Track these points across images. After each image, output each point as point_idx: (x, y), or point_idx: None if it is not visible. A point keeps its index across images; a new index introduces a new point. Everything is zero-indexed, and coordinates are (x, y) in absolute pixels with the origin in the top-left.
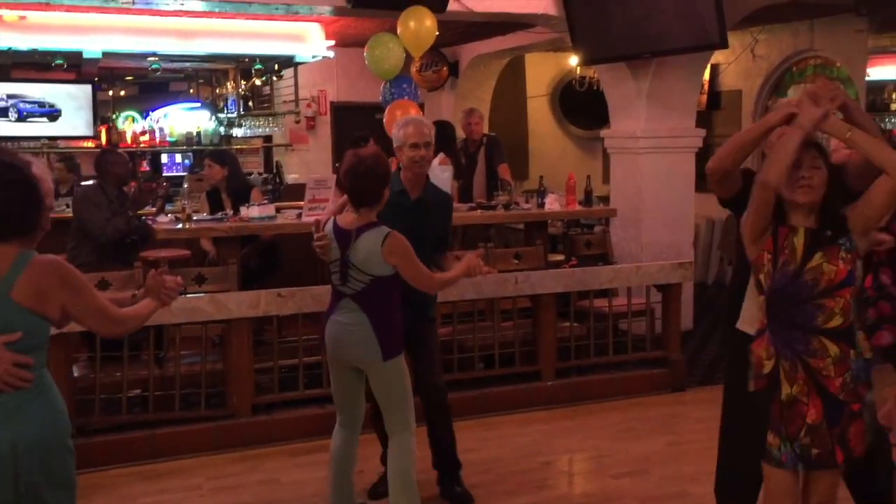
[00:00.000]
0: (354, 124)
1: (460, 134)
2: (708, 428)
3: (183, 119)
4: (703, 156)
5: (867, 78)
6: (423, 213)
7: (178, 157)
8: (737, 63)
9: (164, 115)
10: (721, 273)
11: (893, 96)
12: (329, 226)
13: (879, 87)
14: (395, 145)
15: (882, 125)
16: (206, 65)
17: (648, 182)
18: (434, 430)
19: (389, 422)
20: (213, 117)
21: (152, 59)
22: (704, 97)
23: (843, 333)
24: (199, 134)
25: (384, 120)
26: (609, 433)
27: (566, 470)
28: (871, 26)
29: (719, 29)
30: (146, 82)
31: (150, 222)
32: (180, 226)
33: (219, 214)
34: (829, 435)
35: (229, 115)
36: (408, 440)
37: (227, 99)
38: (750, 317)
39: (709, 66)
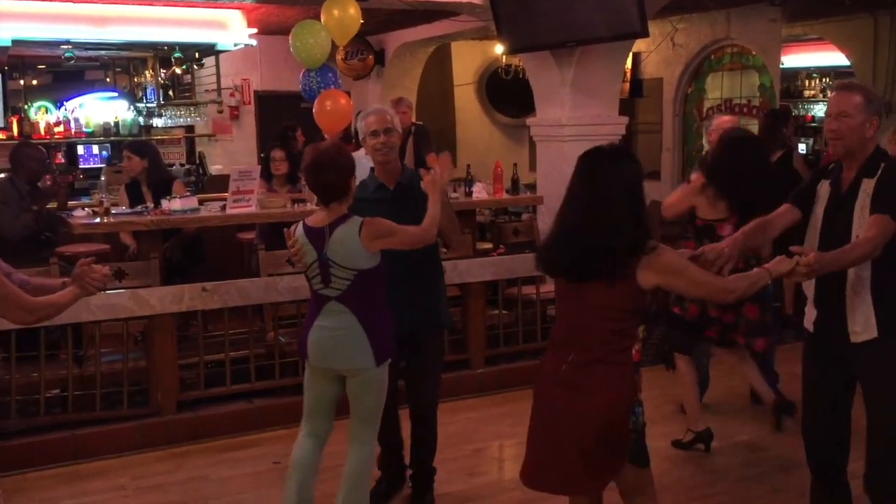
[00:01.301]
0: (280, 114)
1: None
2: None
3: (100, 109)
4: (626, 143)
5: (781, 65)
6: (406, 199)
7: (96, 149)
8: (657, 51)
9: (80, 105)
10: None
11: (806, 83)
12: (299, 229)
13: (793, 74)
14: (360, 138)
15: (796, 111)
16: (123, 53)
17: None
18: (416, 444)
19: (358, 430)
20: (132, 107)
21: (66, 46)
22: (627, 85)
23: None
24: (116, 124)
25: (314, 110)
26: None
27: (496, 456)
28: (784, 15)
29: (640, 18)
30: (60, 71)
31: (65, 217)
32: (98, 220)
33: (139, 208)
34: None
35: (148, 105)
36: (370, 453)
37: (145, 88)
38: None
39: (631, 55)
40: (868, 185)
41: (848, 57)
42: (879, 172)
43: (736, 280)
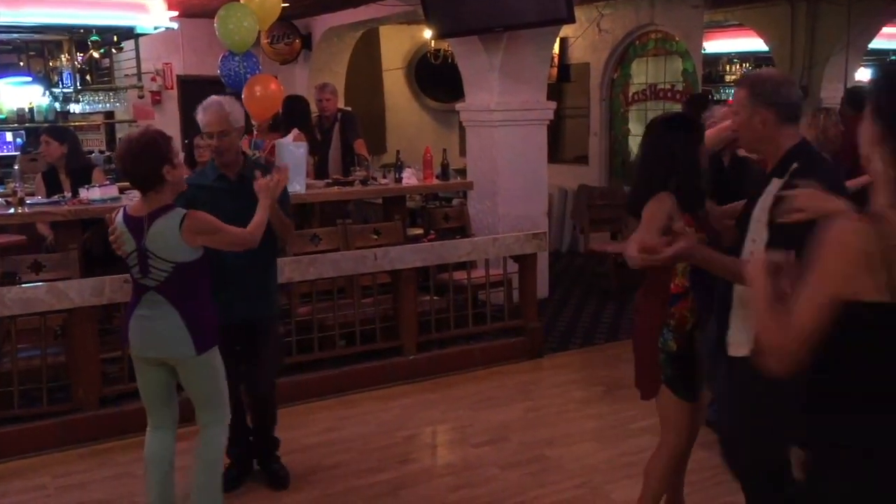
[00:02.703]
0: (204, 99)
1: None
2: (564, 392)
3: (13, 94)
4: (554, 128)
5: (703, 51)
6: (245, 192)
7: (9, 136)
8: (584, 37)
9: None
10: (574, 241)
11: (727, 68)
12: (119, 217)
13: (714, 59)
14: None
15: (717, 95)
16: (38, 36)
17: (503, 155)
18: (259, 420)
19: (201, 416)
20: (47, 92)
21: None
22: (555, 70)
23: None
24: (31, 110)
25: (242, 95)
26: (470, 403)
27: (429, 442)
28: (706, 2)
29: (567, 3)
30: None
31: None
32: (12, 210)
33: (56, 197)
34: None
35: (65, 90)
36: (219, 435)
37: (62, 72)
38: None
39: (558, 40)
40: (775, 186)
41: (767, 42)
42: (787, 176)
43: None
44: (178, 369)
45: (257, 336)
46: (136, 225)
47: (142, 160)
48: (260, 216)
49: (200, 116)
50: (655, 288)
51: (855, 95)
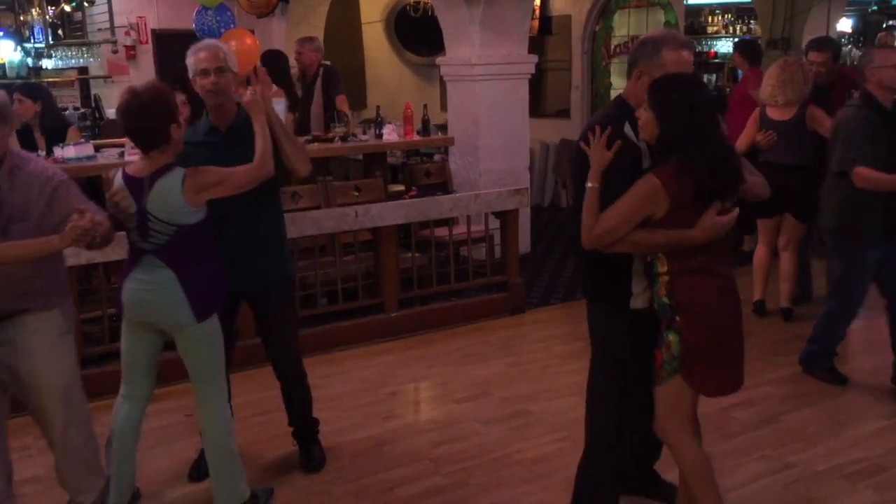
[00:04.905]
0: (180, 53)
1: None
2: (546, 347)
3: None
4: (535, 81)
5: (685, 2)
6: (239, 143)
7: None
8: None
9: None
10: (556, 195)
11: (709, 20)
12: (118, 178)
13: (696, 10)
14: (190, 76)
15: (700, 47)
16: None
17: (484, 109)
18: (290, 402)
19: (200, 391)
20: (19, 47)
21: None
22: (536, 23)
23: None
24: (2, 66)
25: None
26: (452, 359)
27: (412, 399)
28: None
29: None
30: None
31: None
32: None
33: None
34: None
35: (37, 45)
36: (221, 410)
37: (32, 27)
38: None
39: None
40: None
41: None
42: None
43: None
44: (175, 337)
45: (272, 302)
46: (137, 186)
47: (149, 116)
48: (261, 141)
49: (193, 57)
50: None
51: (748, 48)
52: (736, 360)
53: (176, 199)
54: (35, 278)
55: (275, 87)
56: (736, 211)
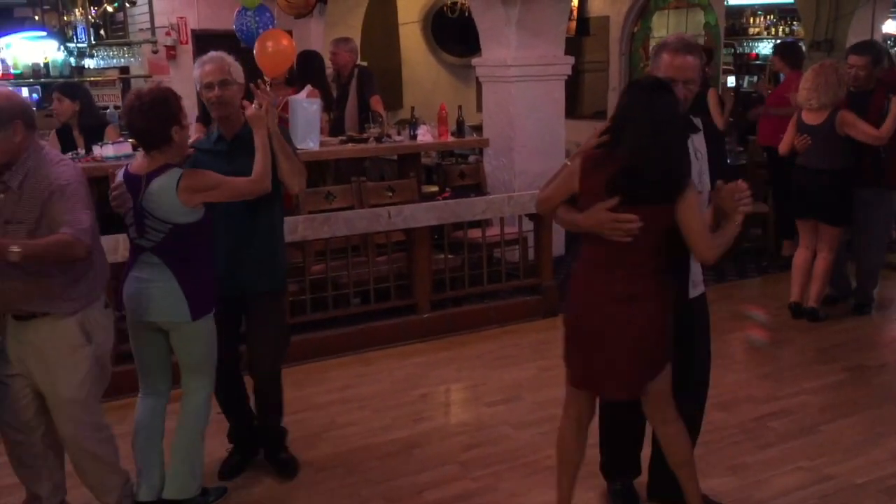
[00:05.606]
0: None
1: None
2: None
3: (28, 49)
4: (572, 83)
5: (726, 3)
6: (241, 152)
7: (25, 91)
8: None
9: (7, 45)
10: None
11: (751, 21)
12: (121, 174)
13: (738, 11)
14: (197, 88)
15: (741, 49)
16: None
17: (520, 111)
18: (262, 416)
19: (186, 381)
20: (62, 47)
21: None
22: (573, 24)
23: None
24: (46, 65)
25: (254, 51)
26: (484, 362)
27: (442, 401)
28: None
29: None
30: None
31: None
32: None
33: (70, 154)
34: None
35: (79, 45)
36: (203, 401)
37: (76, 27)
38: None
39: None
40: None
41: None
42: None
43: (716, 238)
44: (170, 333)
45: (256, 312)
46: (135, 183)
47: (150, 117)
48: (260, 157)
49: (199, 71)
50: (661, 270)
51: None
52: (577, 358)
53: (170, 197)
54: (50, 285)
55: (309, 88)
56: (631, 218)
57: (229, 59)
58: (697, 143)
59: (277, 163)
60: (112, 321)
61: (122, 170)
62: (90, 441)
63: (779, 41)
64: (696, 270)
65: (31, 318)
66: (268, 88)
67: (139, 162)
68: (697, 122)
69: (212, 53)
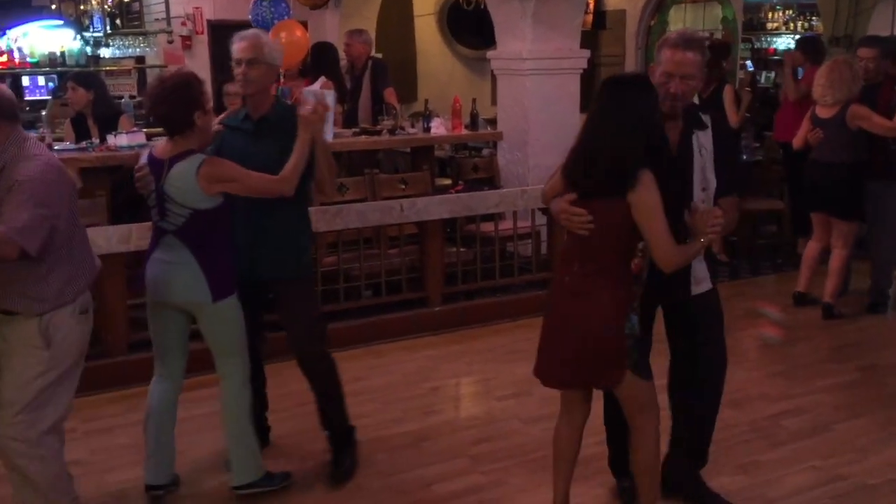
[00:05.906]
0: None
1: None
2: None
3: (45, 38)
4: (588, 76)
5: None
6: (267, 135)
7: (41, 80)
8: None
9: (24, 34)
10: None
11: (770, 15)
12: (145, 157)
13: (756, 6)
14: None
15: (759, 44)
16: None
17: (535, 104)
18: (318, 399)
19: (220, 365)
20: (78, 36)
21: None
22: (590, 17)
23: None
24: (63, 54)
25: None
26: (495, 356)
27: (453, 394)
28: None
29: None
30: None
31: None
32: None
33: (84, 143)
34: None
35: (95, 34)
36: (241, 384)
37: (92, 16)
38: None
39: None
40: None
41: None
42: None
43: (678, 248)
44: (196, 316)
45: (281, 299)
46: (157, 166)
47: (173, 102)
48: (296, 157)
49: (235, 45)
50: (614, 268)
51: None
52: (541, 350)
53: (190, 183)
54: (16, 282)
55: (323, 79)
56: (580, 212)
57: (266, 38)
58: (703, 140)
59: (317, 170)
60: (89, 328)
61: (147, 152)
62: (21, 457)
63: (797, 37)
64: (697, 267)
65: (10, 314)
66: (281, 80)
67: (163, 146)
68: (706, 118)
69: (251, 31)
